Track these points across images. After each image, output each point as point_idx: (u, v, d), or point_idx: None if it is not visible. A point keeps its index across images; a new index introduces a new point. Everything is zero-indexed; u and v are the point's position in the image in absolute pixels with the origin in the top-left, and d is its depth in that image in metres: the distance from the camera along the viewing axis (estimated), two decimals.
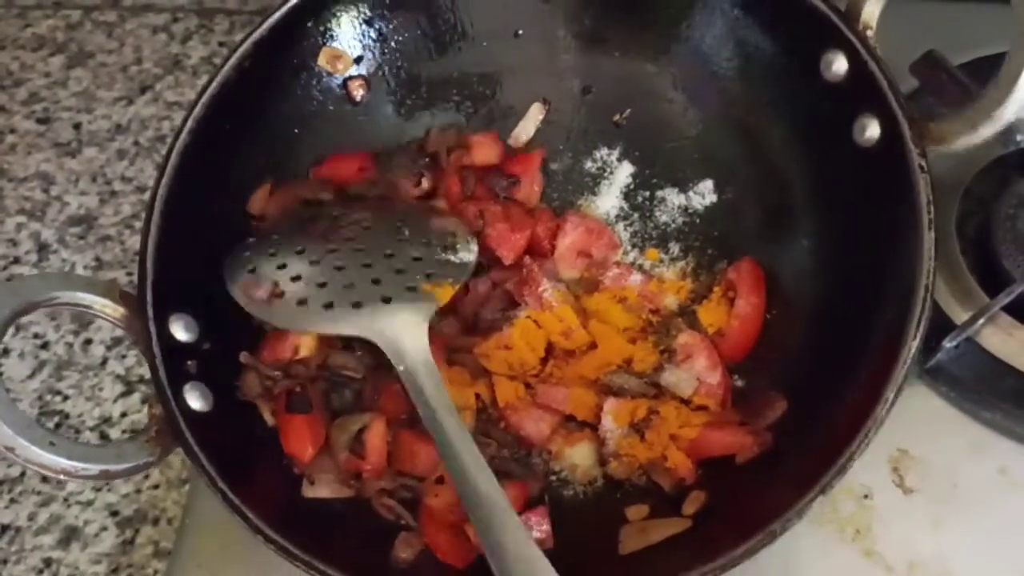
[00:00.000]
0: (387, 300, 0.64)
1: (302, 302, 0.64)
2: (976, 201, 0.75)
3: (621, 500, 0.64)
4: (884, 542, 0.65)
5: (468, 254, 0.68)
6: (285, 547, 0.56)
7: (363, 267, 0.66)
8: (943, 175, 0.74)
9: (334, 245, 0.67)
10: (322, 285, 0.65)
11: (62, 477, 0.56)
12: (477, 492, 0.55)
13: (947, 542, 0.65)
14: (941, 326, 0.68)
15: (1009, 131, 0.71)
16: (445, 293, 0.66)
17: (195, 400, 0.61)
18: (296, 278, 0.65)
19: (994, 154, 0.76)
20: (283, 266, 0.66)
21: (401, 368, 0.61)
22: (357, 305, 0.63)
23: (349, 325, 0.63)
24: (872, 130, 0.62)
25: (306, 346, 0.67)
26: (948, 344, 0.67)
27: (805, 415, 0.60)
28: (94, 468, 0.57)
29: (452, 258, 0.68)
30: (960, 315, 0.69)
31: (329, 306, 0.63)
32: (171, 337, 0.63)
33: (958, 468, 0.67)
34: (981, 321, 0.68)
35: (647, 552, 0.59)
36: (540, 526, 0.61)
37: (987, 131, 0.57)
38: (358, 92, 0.75)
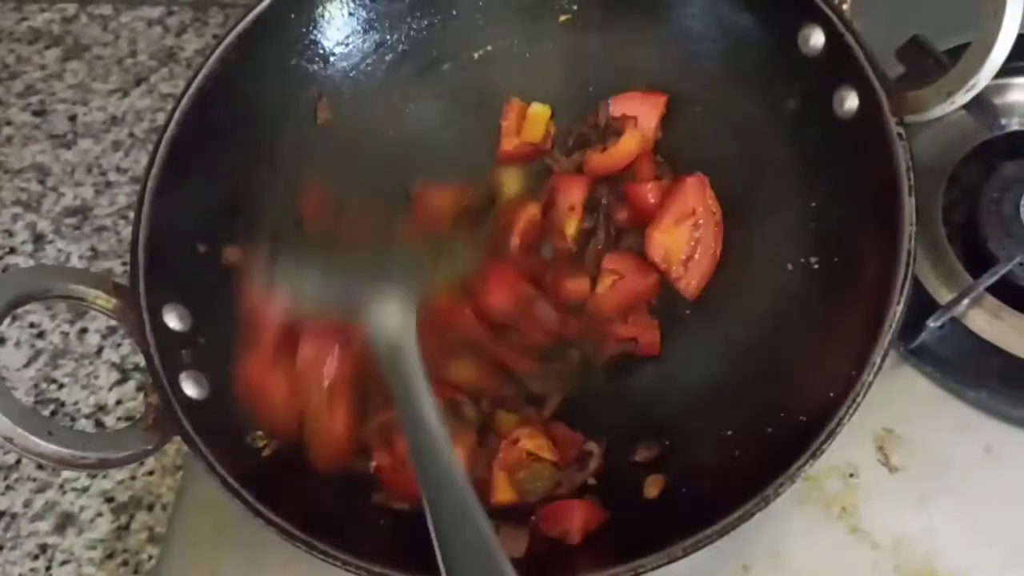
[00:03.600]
0: None
1: None
2: (961, 188, 0.76)
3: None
4: (870, 520, 0.66)
5: None
6: (285, 529, 0.57)
7: None
8: (929, 161, 0.75)
9: None
10: None
11: (61, 466, 0.56)
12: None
13: (933, 519, 0.66)
14: (927, 307, 0.69)
15: (993, 115, 0.72)
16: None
17: (191, 388, 0.62)
18: None
19: (979, 140, 0.77)
20: None
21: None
22: None
23: None
24: (851, 102, 0.63)
25: None
26: (932, 324, 0.68)
27: (793, 383, 0.61)
28: (93, 456, 0.57)
29: None
30: (946, 298, 0.70)
31: None
32: (165, 327, 0.63)
33: (943, 446, 0.68)
34: (966, 301, 0.69)
35: (643, 516, 0.60)
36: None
37: (961, 99, 0.58)
38: (323, 114, 0.75)
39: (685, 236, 0.70)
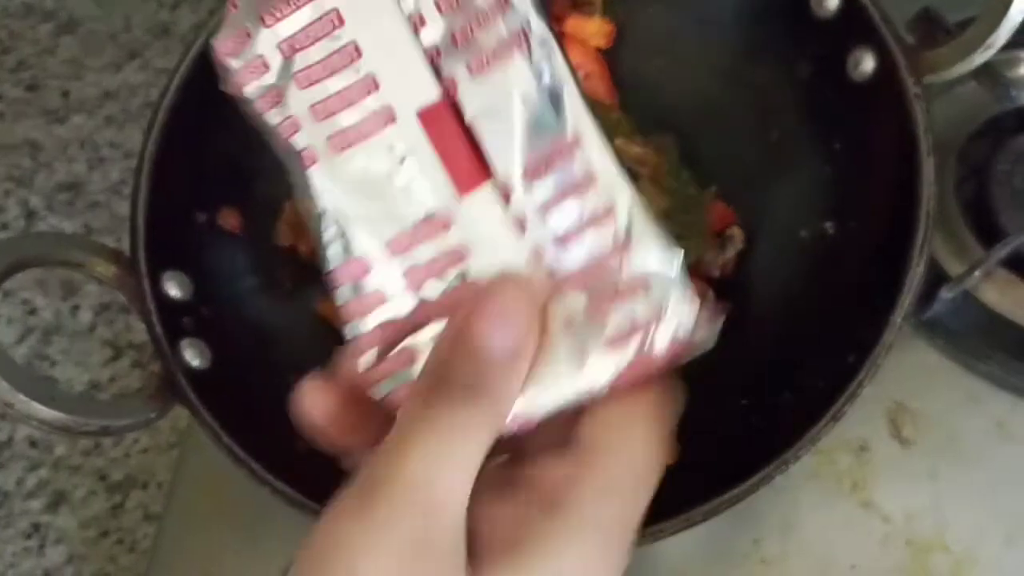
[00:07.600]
0: None
1: None
2: (971, 163, 0.75)
3: None
4: (881, 493, 0.66)
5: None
6: (295, 498, 0.56)
7: None
8: (937, 136, 0.74)
9: None
10: None
11: (62, 433, 0.55)
12: None
13: (944, 493, 0.65)
14: (939, 281, 0.68)
15: (1004, 86, 0.71)
16: None
17: (193, 357, 0.61)
18: None
19: (987, 114, 0.76)
20: None
21: None
22: None
23: None
24: (866, 64, 0.62)
25: None
26: (945, 295, 0.67)
27: (810, 350, 0.60)
28: (95, 423, 0.56)
29: None
30: (958, 271, 0.69)
31: None
32: (165, 294, 0.62)
33: (955, 420, 0.67)
34: (978, 273, 0.68)
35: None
36: None
37: (980, 58, 0.58)
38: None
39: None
